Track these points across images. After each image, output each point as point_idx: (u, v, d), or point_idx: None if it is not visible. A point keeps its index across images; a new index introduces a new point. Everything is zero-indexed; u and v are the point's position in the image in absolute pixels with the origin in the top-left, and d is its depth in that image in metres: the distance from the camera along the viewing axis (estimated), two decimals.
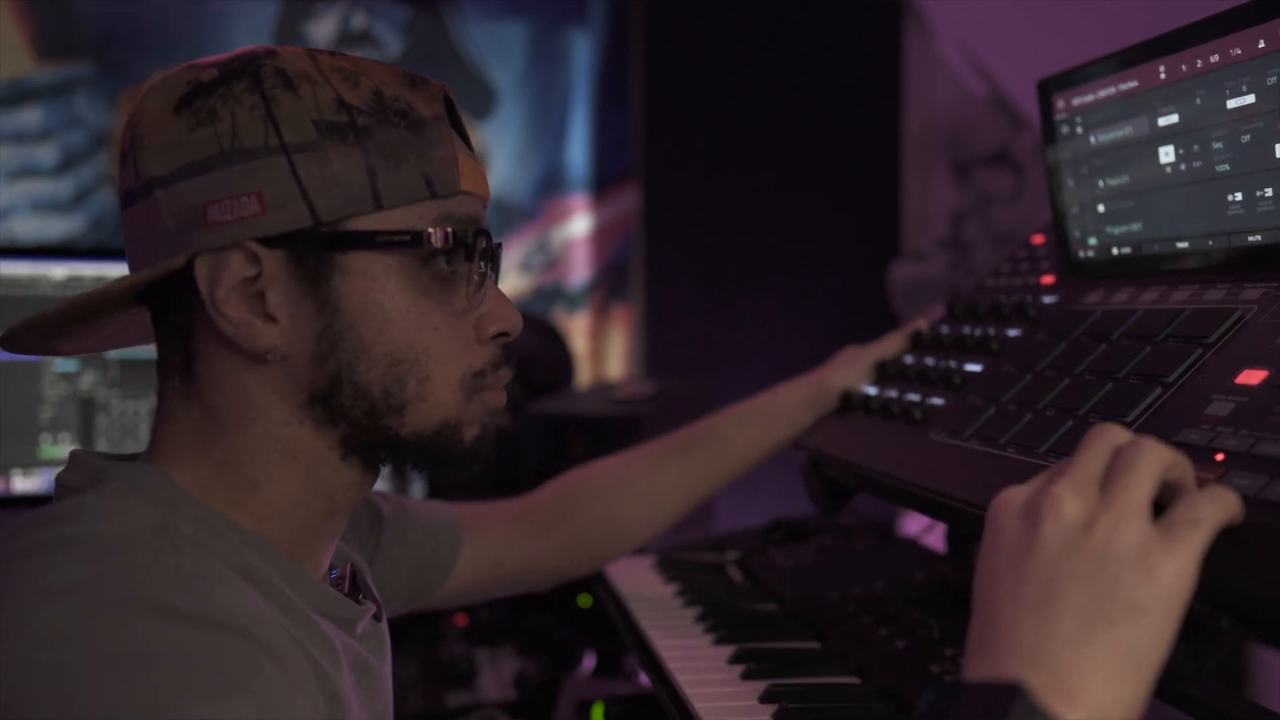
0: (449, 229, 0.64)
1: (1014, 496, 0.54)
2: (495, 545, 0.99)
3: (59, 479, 0.64)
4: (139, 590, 0.52)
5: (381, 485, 1.00)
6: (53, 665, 0.49)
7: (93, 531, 0.56)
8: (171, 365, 0.66)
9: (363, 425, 0.65)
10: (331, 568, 0.75)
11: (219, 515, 0.62)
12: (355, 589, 0.76)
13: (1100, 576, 0.49)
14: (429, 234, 0.63)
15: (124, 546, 0.55)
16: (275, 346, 0.62)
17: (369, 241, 0.62)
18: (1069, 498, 0.51)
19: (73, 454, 0.65)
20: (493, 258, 0.69)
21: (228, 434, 0.64)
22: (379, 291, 0.63)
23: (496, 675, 1.60)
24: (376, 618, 0.74)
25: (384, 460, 0.68)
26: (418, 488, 1.88)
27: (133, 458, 0.67)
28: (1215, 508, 0.51)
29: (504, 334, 0.69)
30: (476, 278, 0.67)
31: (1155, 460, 0.52)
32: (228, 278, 0.61)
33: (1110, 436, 0.54)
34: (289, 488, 0.65)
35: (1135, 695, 0.48)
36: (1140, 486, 0.51)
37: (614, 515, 1.05)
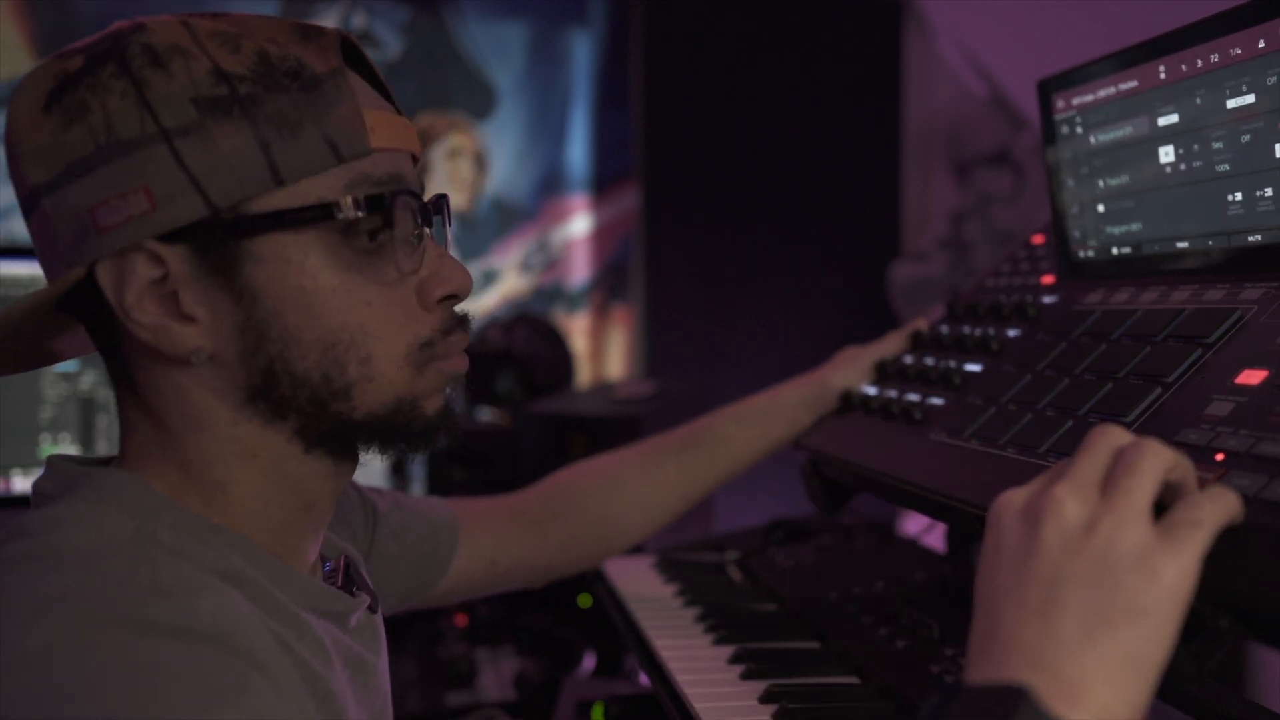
0: (363, 194, 0.59)
1: (1014, 498, 0.54)
2: (491, 542, 0.98)
3: (35, 485, 0.62)
4: (117, 605, 0.50)
5: (382, 482, 1.00)
6: (33, 685, 0.48)
7: (68, 545, 0.54)
8: (114, 373, 0.63)
9: (311, 414, 0.61)
10: (324, 560, 0.74)
11: (198, 518, 0.60)
12: (349, 581, 0.74)
13: (1102, 579, 0.49)
14: (340, 203, 0.58)
15: (100, 560, 0.53)
16: (199, 347, 0.59)
17: (276, 222, 0.57)
18: (1069, 500, 0.51)
19: (49, 459, 0.62)
20: (427, 216, 0.63)
21: (181, 439, 0.61)
22: (297, 274, 0.58)
23: (496, 675, 1.60)
24: (372, 609, 0.73)
25: (348, 446, 0.64)
26: (418, 488, 1.88)
27: (107, 463, 0.65)
28: (1216, 509, 0.51)
29: (452, 296, 0.64)
30: (413, 239, 0.62)
31: (1156, 462, 0.52)
32: (133, 283, 0.57)
33: (1110, 438, 0.54)
34: (256, 486, 0.62)
35: (1138, 696, 0.48)
36: (1141, 488, 0.51)
37: (609, 513, 1.04)
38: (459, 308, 0.66)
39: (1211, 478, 0.58)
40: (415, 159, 0.65)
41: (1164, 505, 0.52)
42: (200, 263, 0.58)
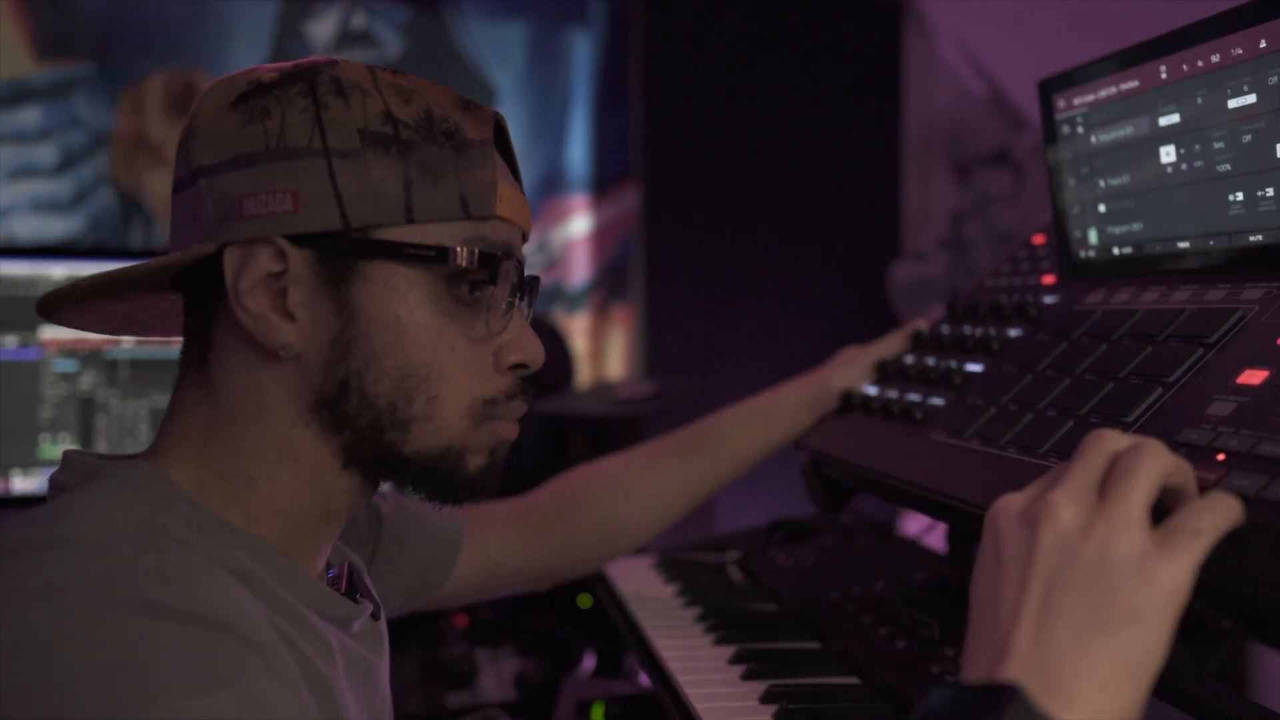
0: (477, 250, 0.64)
1: (1011, 503, 0.54)
2: (495, 545, 0.99)
3: (52, 479, 0.64)
4: (121, 588, 0.52)
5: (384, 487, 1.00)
6: (34, 664, 0.49)
7: (76, 531, 0.55)
8: (191, 353, 0.66)
9: (366, 436, 0.65)
10: (329, 567, 0.75)
11: (210, 513, 0.62)
12: (352, 588, 0.76)
13: (1098, 584, 0.49)
14: (456, 252, 0.63)
15: (106, 545, 0.55)
16: (290, 344, 0.63)
17: (395, 252, 0.63)
18: (1066, 505, 0.51)
19: (65, 454, 0.64)
20: (524, 289, 0.69)
21: (233, 427, 0.64)
22: (398, 303, 0.63)
23: (496, 675, 1.60)
24: (374, 616, 0.74)
25: (384, 476, 0.68)
26: None
27: (131, 458, 0.67)
28: (1216, 517, 0.51)
29: (523, 365, 0.69)
30: (504, 305, 0.66)
31: (1154, 467, 0.52)
32: (253, 270, 0.62)
33: (1107, 442, 0.54)
34: (286, 487, 0.65)
35: (1131, 700, 0.48)
36: (1138, 494, 0.51)
37: (613, 515, 1.05)
38: (525, 377, 0.70)
39: (1212, 478, 0.58)
40: (525, 238, 0.70)
41: (1164, 507, 0.52)
42: (318, 269, 0.63)
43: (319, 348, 0.63)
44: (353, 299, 0.63)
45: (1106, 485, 0.52)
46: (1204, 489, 0.57)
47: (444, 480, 0.67)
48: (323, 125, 0.62)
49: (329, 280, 0.63)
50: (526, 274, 0.69)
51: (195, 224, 0.63)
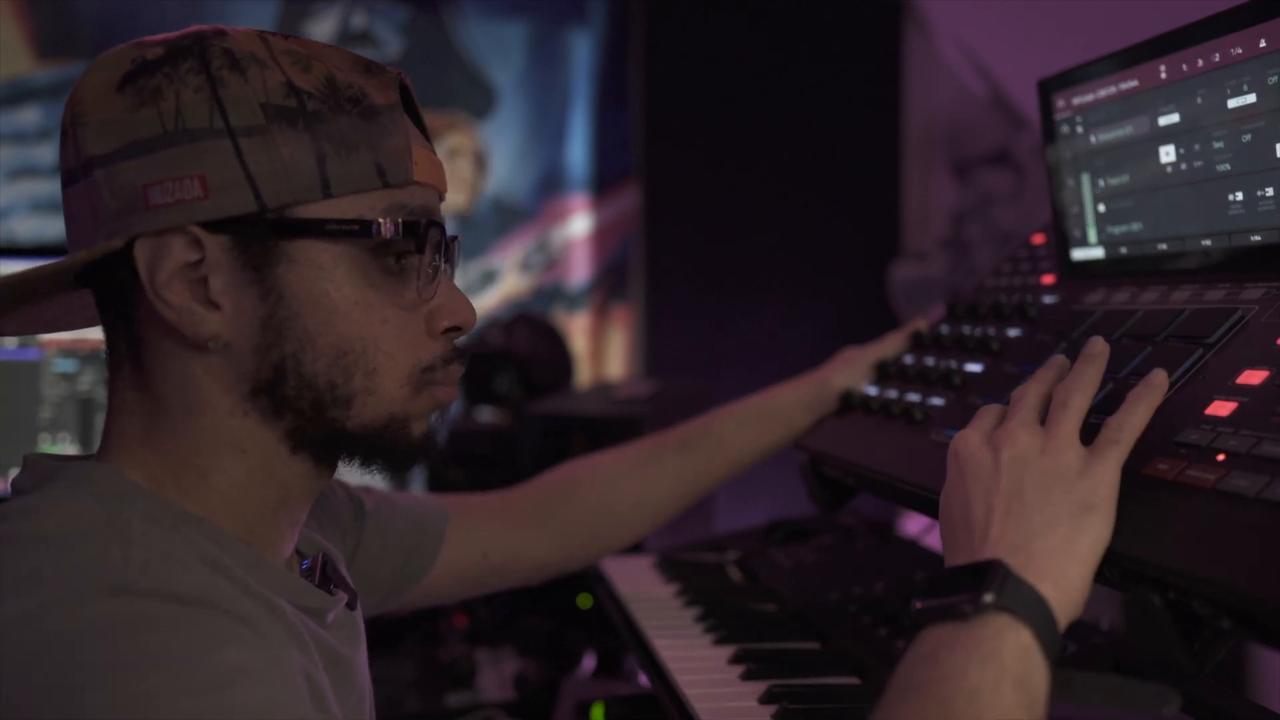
0: (400, 219, 0.63)
1: (970, 435, 0.68)
2: (484, 536, 0.98)
3: (12, 483, 0.63)
4: (95, 578, 0.52)
5: (380, 485, 0.99)
6: (21, 646, 0.49)
7: (40, 530, 0.55)
8: (119, 353, 0.65)
9: (308, 418, 0.64)
10: (303, 558, 0.74)
11: (171, 506, 0.61)
12: (326, 579, 0.75)
13: (1056, 485, 0.62)
14: (379, 224, 0.62)
15: (72, 542, 0.54)
16: (217, 334, 0.61)
17: (317, 229, 0.61)
18: (1022, 431, 0.65)
19: (25, 458, 0.64)
20: (447, 251, 0.68)
21: (175, 425, 0.63)
22: (326, 281, 0.62)
23: (496, 675, 1.60)
24: (350, 606, 0.73)
25: (332, 455, 0.67)
26: (417, 489, 1.88)
27: (86, 459, 0.66)
28: (1132, 424, 0.64)
29: (456, 328, 0.68)
30: (429, 270, 0.66)
31: (1079, 403, 0.66)
32: (169, 262, 0.60)
33: (1040, 384, 0.70)
34: (238, 478, 0.64)
35: (1088, 573, 0.60)
36: (1071, 421, 0.65)
37: (607, 509, 1.04)
38: (459, 341, 0.70)
39: (1211, 479, 0.58)
40: (441, 197, 0.69)
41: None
42: (237, 255, 0.61)
43: (248, 334, 0.62)
44: (278, 281, 0.61)
45: (1049, 418, 0.66)
46: (1204, 488, 0.58)
47: (390, 450, 0.66)
48: (222, 104, 0.59)
49: (250, 264, 0.61)
50: (448, 235, 0.68)
51: (94, 218, 0.61)
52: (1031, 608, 0.57)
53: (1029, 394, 0.69)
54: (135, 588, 0.52)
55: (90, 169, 0.60)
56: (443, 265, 0.67)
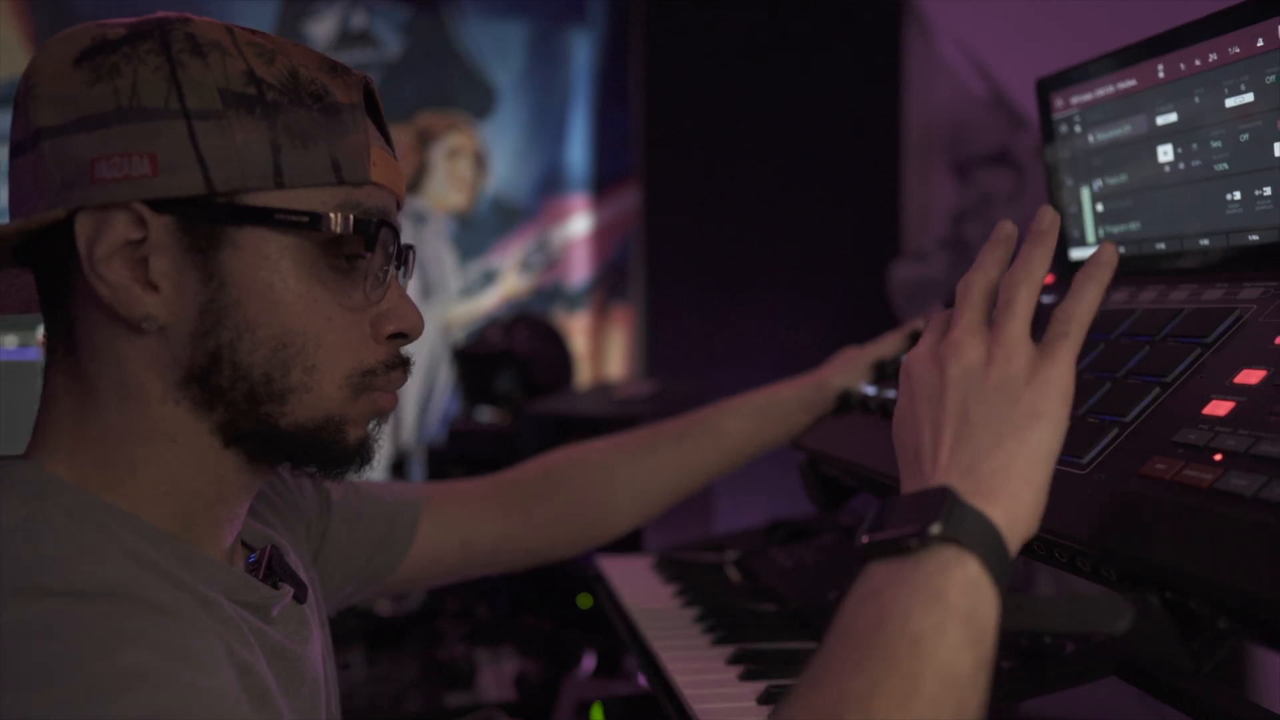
0: (352, 217, 0.62)
1: (919, 352, 0.64)
2: (463, 522, 0.97)
3: None
4: (4, 581, 0.50)
5: (379, 477, 0.99)
6: None
7: None
8: (55, 335, 0.63)
9: (241, 410, 0.62)
10: (250, 551, 0.73)
11: (96, 501, 0.59)
12: (271, 573, 0.72)
13: (1003, 396, 0.59)
14: (330, 218, 0.61)
15: None
16: (152, 315, 0.59)
17: (265, 218, 0.60)
18: (966, 341, 0.61)
19: None
20: (400, 256, 0.67)
21: (104, 411, 0.61)
22: (270, 270, 0.61)
23: (496, 675, 1.60)
24: (299, 599, 0.72)
25: (265, 452, 0.65)
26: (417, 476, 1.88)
27: (7, 459, 0.64)
28: (1081, 312, 0.61)
29: (402, 335, 0.67)
30: (380, 273, 0.64)
31: (1026, 296, 0.62)
32: (110, 238, 0.58)
33: (979, 282, 0.64)
34: (169, 470, 0.62)
35: (1043, 485, 0.58)
36: (1017, 320, 0.61)
37: (599, 497, 1.03)
38: (404, 350, 0.68)
39: (1209, 479, 0.58)
40: (400, 205, 0.68)
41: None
42: (181, 236, 0.59)
43: (186, 319, 0.60)
44: (221, 266, 0.60)
45: (995, 321, 0.62)
46: (1201, 488, 0.58)
47: (324, 452, 0.65)
48: (180, 85, 0.58)
49: (194, 247, 0.59)
50: (403, 242, 0.67)
51: (38, 189, 0.59)
52: (980, 536, 0.54)
53: (973, 289, 0.64)
54: (46, 588, 0.50)
55: (38, 140, 0.59)
56: (394, 270, 0.66)
